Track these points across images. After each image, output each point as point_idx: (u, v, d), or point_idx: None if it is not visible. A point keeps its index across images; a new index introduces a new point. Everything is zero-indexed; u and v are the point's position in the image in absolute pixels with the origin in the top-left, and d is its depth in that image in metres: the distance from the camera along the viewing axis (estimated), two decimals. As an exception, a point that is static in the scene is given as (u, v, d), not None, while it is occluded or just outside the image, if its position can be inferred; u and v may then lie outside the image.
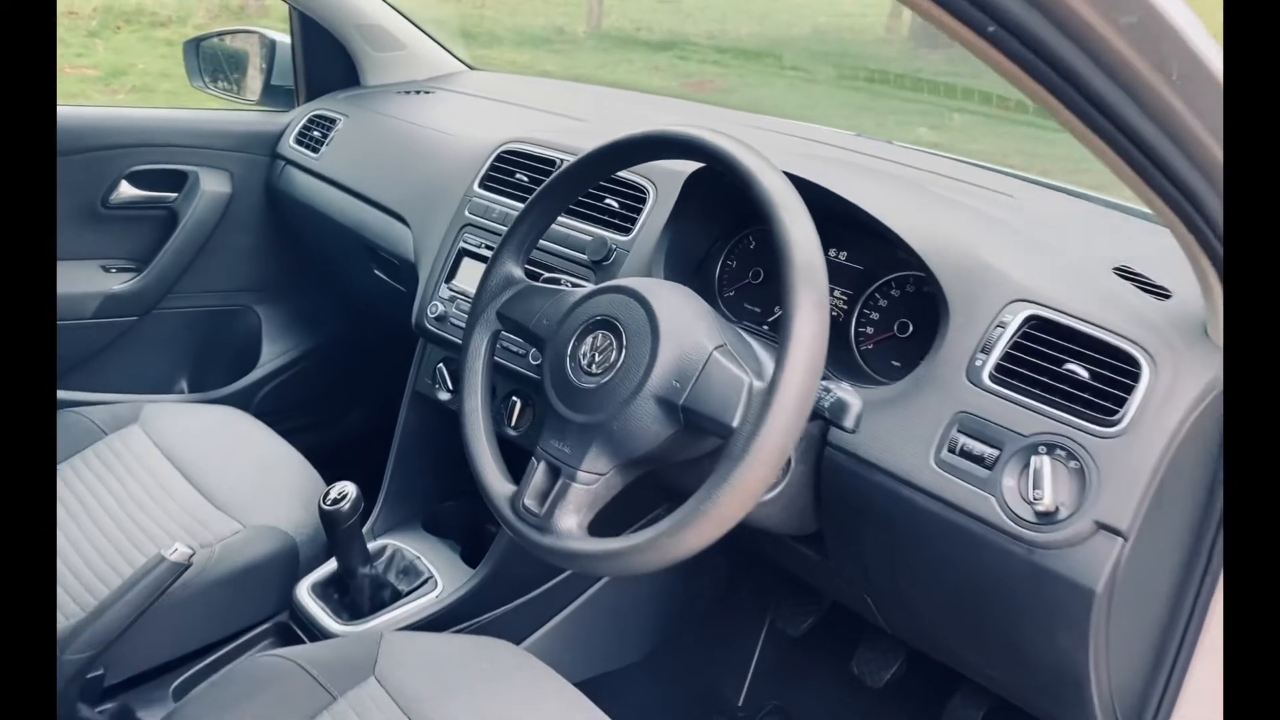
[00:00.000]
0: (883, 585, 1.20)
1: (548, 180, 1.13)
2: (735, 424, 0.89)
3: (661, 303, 0.99)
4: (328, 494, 1.35)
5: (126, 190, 1.95)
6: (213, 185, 2.01)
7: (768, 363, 1.03)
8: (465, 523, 1.64)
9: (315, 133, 1.99)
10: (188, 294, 2.06)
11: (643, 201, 1.38)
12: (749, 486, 0.86)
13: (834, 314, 1.23)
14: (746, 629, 1.74)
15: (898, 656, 1.58)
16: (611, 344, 0.99)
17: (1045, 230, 1.19)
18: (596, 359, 1.00)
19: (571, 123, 1.75)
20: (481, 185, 1.56)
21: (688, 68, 8.59)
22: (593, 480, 0.97)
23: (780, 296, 0.88)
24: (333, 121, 1.98)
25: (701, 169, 1.25)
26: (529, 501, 1.00)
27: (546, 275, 1.29)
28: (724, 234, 1.36)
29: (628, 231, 1.37)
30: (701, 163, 1.01)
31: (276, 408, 2.14)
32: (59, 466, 1.51)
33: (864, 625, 1.65)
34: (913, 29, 10.75)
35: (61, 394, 1.88)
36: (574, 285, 1.23)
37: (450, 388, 1.54)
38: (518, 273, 1.17)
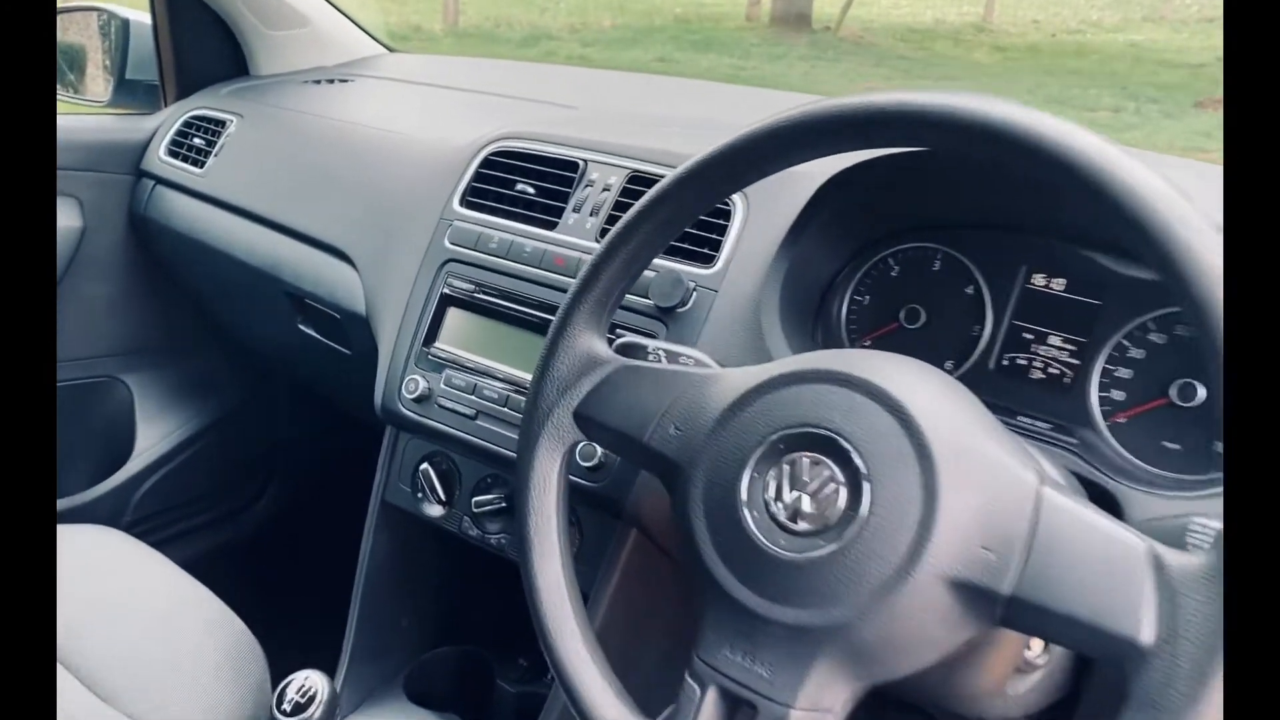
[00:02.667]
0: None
1: (658, 189, 0.70)
2: (1151, 639, 0.48)
3: (918, 399, 0.57)
4: (283, 694, 0.87)
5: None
6: (56, 218, 1.47)
7: (1061, 478, 0.62)
8: (465, 681, 1.18)
9: (196, 140, 1.48)
10: (28, 368, 1.51)
11: (727, 219, 0.94)
12: None
13: (1057, 371, 0.83)
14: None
15: None
16: (833, 477, 0.57)
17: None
18: (805, 505, 0.57)
19: (559, 111, 1.31)
20: (464, 203, 1.10)
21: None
22: None
23: (1211, 377, 0.47)
24: (220, 124, 1.47)
25: (853, 168, 0.83)
26: None
27: (623, 341, 0.84)
28: (851, 259, 0.94)
29: (709, 261, 0.93)
30: (973, 151, 0.59)
31: (163, 507, 1.63)
32: None
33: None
34: (774, 15, 10.71)
35: None
36: (686, 360, 0.78)
37: (442, 498, 1.07)
38: (602, 348, 0.73)
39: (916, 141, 0.60)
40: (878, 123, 0.59)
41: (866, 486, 0.55)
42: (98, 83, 1.70)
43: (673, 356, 0.81)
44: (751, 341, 0.88)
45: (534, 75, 1.65)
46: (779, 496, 0.58)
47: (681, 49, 9.40)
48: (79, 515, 1.55)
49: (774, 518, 0.58)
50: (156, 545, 1.58)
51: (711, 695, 0.58)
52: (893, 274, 0.92)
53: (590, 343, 0.73)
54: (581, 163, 1.04)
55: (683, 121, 1.18)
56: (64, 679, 1.00)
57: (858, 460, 0.56)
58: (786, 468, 0.58)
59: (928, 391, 0.58)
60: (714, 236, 0.94)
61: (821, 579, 0.55)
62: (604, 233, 1.00)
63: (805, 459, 0.58)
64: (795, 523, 0.57)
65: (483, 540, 1.05)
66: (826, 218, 0.89)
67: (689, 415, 0.65)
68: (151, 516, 1.62)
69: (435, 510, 1.08)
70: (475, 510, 1.04)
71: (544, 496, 0.71)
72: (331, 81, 1.54)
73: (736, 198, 0.95)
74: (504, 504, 1.03)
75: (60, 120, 1.55)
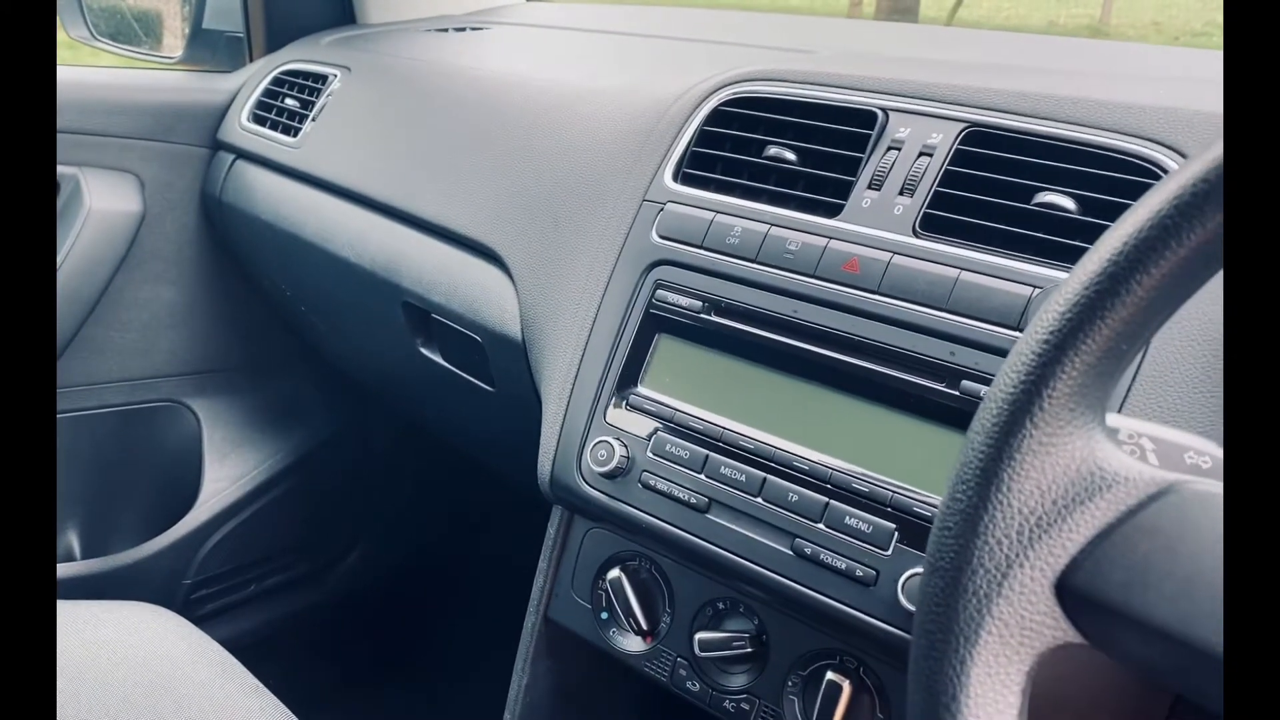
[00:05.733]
0: None
1: None
2: None
3: None
4: None
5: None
6: (107, 198, 1.17)
7: None
8: None
9: (288, 100, 1.15)
10: (72, 390, 1.23)
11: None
12: None
13: None
14: None
15: None
16: None
17: None
18: None
19: (792, 55, 0.93)
20: (682, 176, 0.73)
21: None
22: None
23: None
24: (320, 80, 1.13)
25: None
26: None
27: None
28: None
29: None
30: None
31: (234, 565, 1.31)
32: None
33: None
34: (877, 13, 10.24)
35: None
36: (1197, 460, 0.40)
37: (642, 626, 0.70)
38: (1113, 454, 0.35)
39: None
40: None
41: None
42: (173, 35, 1.39)
43: (1170, 452, 0.43)
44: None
45: (730, 20, 1.27)
46: None
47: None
48: (133, 575, 1.23)
49: None
50: (224, 611, 1.27)
51: None
52: None
53: (1090, 440, 0.35)
54: (880, 113, 0.67)
55: (991, 63, 0.80)
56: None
57: None
58: None
59: None
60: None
61: None
62: (929, 220, 0.62)
63: None
64: None
65: (711, 701, 0.67)
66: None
67: None
68: (219, 577, 1.30)
69: (631, 643, 0.71)
70: (700, 653, 0.67)
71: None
72: (462, 29, 1.19)
73: (1165, 158, 0.57)
74: (749, 648, 0.65)
75: (126, 75, 1.23)
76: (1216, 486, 0.34)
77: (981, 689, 0.35)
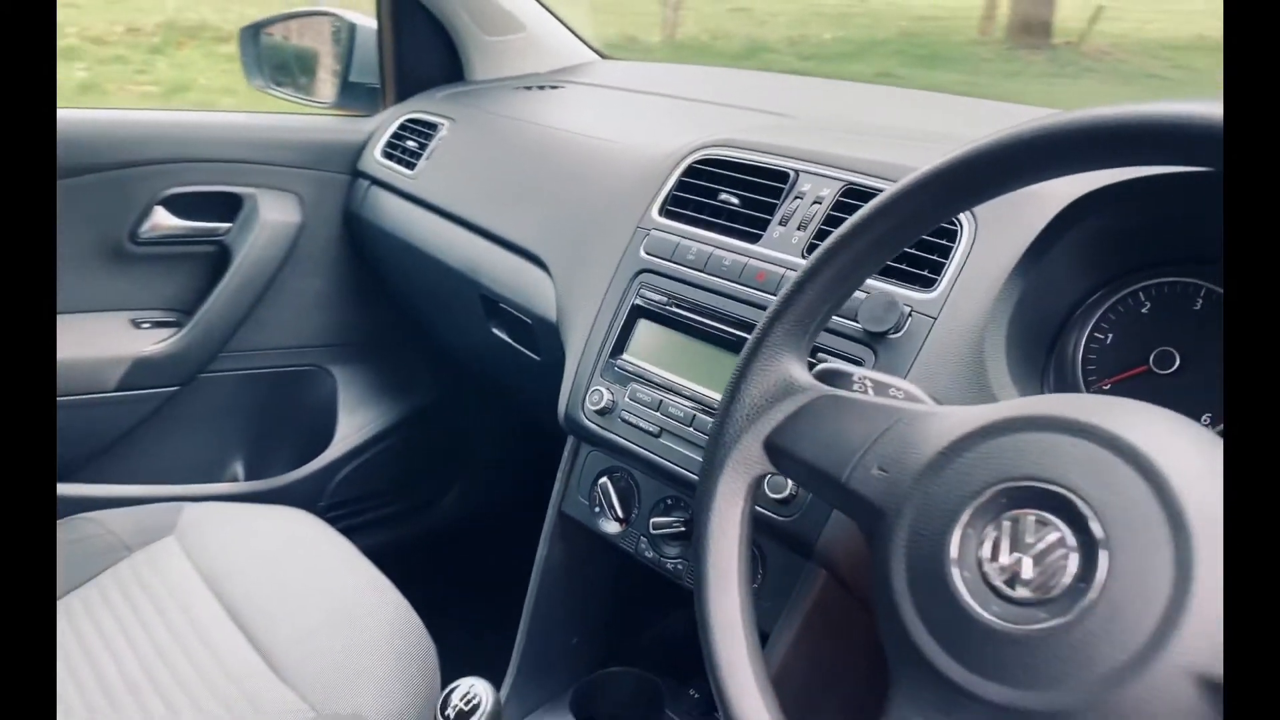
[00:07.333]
0: None
1: (877, 201, 0.63)
2: None
3: (1174, 458, 0.49)
4: (447, 700, 0.85)
5: (163, 219, 1.48)
6: (276, 212, 1.54)
7: None
8: (634, 706, 1.13)
9: (409, 143, 1.51)
10: (244, 353, 1.60)
11: (952, 238, 0.85)
12: None
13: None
14: None
15: None
16: (1062, 541, 0.50)
17: None
18: (1026, 570, 0.50)
19: (772, 119, 1.24)
20: (664, 212, 1.05)
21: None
22: None
23: None
24: (432, 127, 1.49)
25: (1110, 186, 0.73)
26: None
27: (825, 367, 0.77)
28: (1094, 290, 0.82)
29: (929, 285, 0.85)
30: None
31: (357, 494, 1.68)
32: (61, 600, 1.06)
33: None
34: (1010, 26, 10.04)
35: (69, 489, 1.42)
36: (896, 393, 0.70)
37: (619, 515, 1.03)
38: (800, 373, 0.66)
39: (1193, 161, 0.50)
40: (1146, 138, 0.50)
41: (1104, 556, 0.47)
42: (327, 86, 1.78)
43: (881, 388, 0.73)
44: (971, 377, 0.79)
45: (751, 83, 1.59)
46: (995, 557, 0.51)
47: (906, 64, 8.93)
48: (280, 496, 1.61)
49: (988, 580, 0.50)
50: (346, 532, 1.64)
51: None
52: (1144, 310, 0.80)
53: (787, 366, 0.66)
54: (792, 173, 0.98)
55: (906, 133, 1.09)
56: (248, 655, 1.02)
57: (1095, 525, 0.48)
58: (1007, 525, 0.51)
59: (1186, 450, 0.49)
60: (936, 258, 0.85)
61: (1041, 656, 0.47)
62: (812, 248, 0.93)
63: (1030, 517, 0.50)
64: (1013, 589, 0.49)
65: (658, 564, 1.00)
66: (1072, 241, 0.78)
67: (897, 455, 0.58)
68: (345, 503, 1.67)
69: (612, 527, 1.04)
70: (653, 532, 0.99)
71: (725, 528, 0.65)
72: (543, 88, 1.54)
73: (963, 214, 0.86)
74: (683, 528, 0.97)
75: (289, 119, 1.62)
76: (846, 394, 0.64)
77: (723, 496, 0.65)
